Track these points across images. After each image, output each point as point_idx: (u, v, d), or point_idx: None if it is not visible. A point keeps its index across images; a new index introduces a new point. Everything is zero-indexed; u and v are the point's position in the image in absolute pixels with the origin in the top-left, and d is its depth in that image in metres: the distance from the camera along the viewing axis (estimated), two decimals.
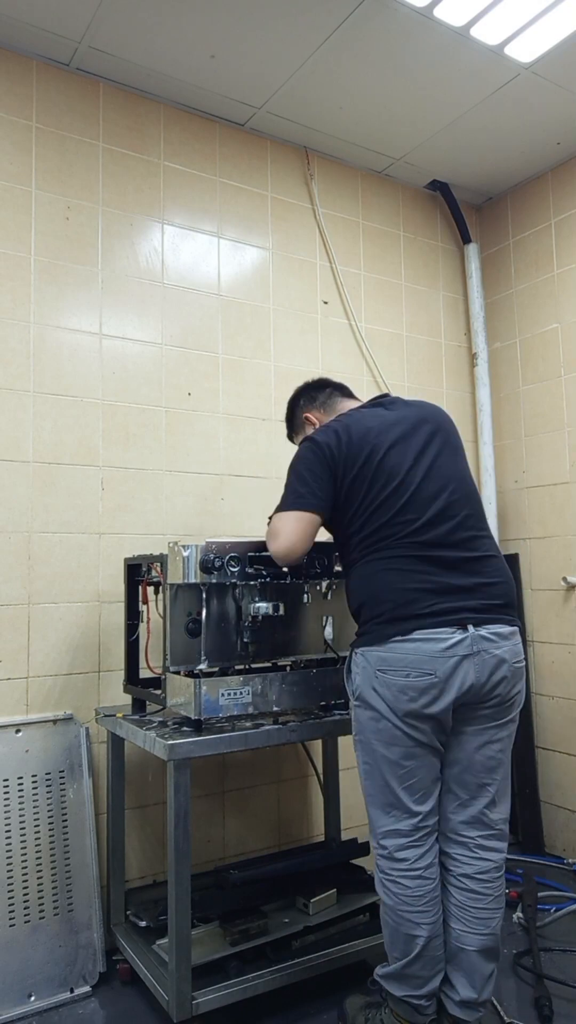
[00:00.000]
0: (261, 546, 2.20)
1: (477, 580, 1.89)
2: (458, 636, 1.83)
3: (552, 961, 2.40)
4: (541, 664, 3.38)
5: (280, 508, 1.99)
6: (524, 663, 1.95)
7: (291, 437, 2.38)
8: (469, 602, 1.86)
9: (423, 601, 1.84)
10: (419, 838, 1.88)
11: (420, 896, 1.86)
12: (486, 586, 1.90)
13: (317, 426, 2.19)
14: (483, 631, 1.85)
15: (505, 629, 1.89)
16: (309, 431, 2.16)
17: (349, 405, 2.19)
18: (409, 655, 1.82)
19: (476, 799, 1.91)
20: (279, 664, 2.36)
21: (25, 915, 2.23)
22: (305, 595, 2.35)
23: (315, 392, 2.29)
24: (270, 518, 2.03)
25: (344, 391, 2.29)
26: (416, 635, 1.82)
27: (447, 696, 1.81)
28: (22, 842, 2.27)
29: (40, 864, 2.29)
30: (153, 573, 2.30)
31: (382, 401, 2.12)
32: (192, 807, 2.06)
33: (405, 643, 1.83)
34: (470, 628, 1.84)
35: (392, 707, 1.84)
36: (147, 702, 2.36)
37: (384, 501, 1.91)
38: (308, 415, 2.27)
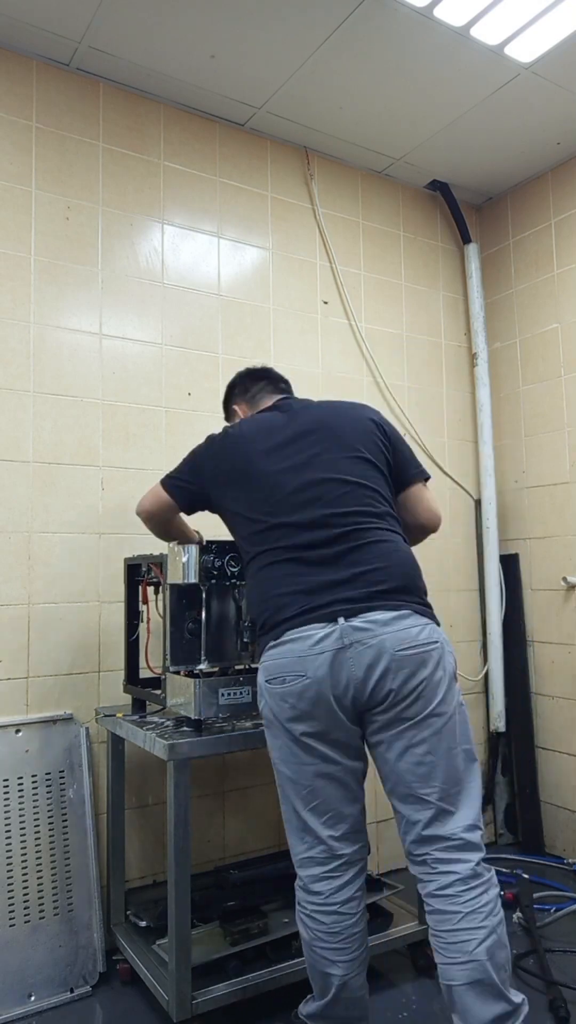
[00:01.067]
0: None
1: (354, 570, 1.74)
2: (326, 630, 1.69)
3: (554, 963, 2.40)
4: (541, 664, 3.38)
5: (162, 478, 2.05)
6: (429, 647, 1.71)
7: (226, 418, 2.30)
8: (344, 594, 1.72)
9: (295, 604, 1.74)
10: (335, 868, 1.76)
11: (336, 933, 1.74)
12: (365, 574, 1.74)
13: (239, 419, 2.15)
14: (356, 621, 1.69)
15: (385, 615, 1.70)
16: (235, 421, 2.15)
17: (263, 404, 2.11)
18: (282, 659, 1.72)
19: (418, 813, 1.69)
20: None
21: (25, 915, 2.23)
22: None
23: (250, 383, 2.18)
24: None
25: (279, 387, 2.16)
26: (286, 637, 1.73)
27: (325, 698, 1.68)
28: (22, 842, 2.27)
29: (40, 864, 2.29)
30: (153, 573, 2.30)
31: (279, 405, 2.05)
32: (192, 807, 2.06)
33: (278, 647, 1.74)
34: (340, 620, 1.69)
35: (279, 719, 1.75)
36: (147, 702, 2.36)
37: (256, 508, 1.85)
38: (236, 406, 2.19)
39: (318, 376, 3.15)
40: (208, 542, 2.16)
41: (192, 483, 1.99)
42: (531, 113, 3.01)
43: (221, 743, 2.04)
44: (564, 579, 3.25)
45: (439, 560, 3.42)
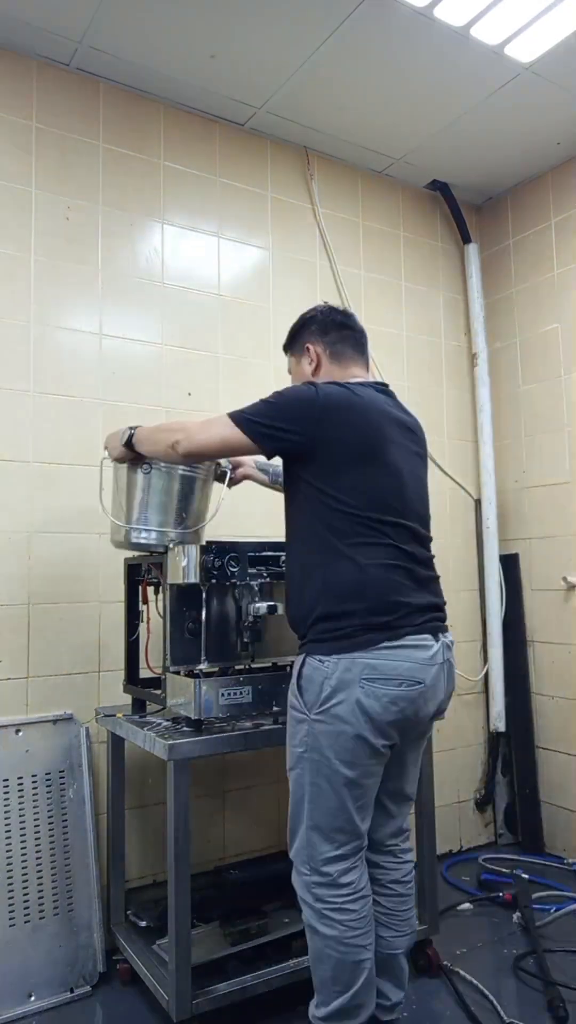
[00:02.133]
0: (262, 546, 2.21)
1: (438, 599, 1.90)
2: (437, 644, 1.81)
3: (553, 963, 2.40)
4: (541, 664, 3.37)
5: (233, 413, 1.81)
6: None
7: (286, 349, 2.15)
8: (437, 613, 1.86)
9: (413, 610, 1.77)
10: (358, 858, 1.82)
11: (366, 916, 1.79)
12: (439, 594, 1.92)
13: (315, 364, 2.00)
14: (446, 639, 1.86)
15: (452, 639, 1.91)
16: (304, 363, 2.02)
17: (356, 373, 2.00)
18: (401, 661, 1.73)
19: (402, 809, 1.95)
20: (279, 664, 2.36)
21: (25, 915, 2.23)
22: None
23: (331, 328, 2.02)
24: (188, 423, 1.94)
25: (359, 347, 2.04)
26: (407, 640, 1.74)
27: (425, 710, 1.80)
28: (22, 842, 2.27)
29: (40, 864, 2.29)
30: (153, 573, 2.30)
31: (383, 388, 1.98)
32: (192, 807, 2.06)
33: (395, 649, 1.73)
34: (440, 637, 1.83)
35: (370, 720, 1.71)
36: (147, 702, 2.36)
37: (380, 497, 1.78)
38: (311, 345, 2.02)
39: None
40: (208, 542, 2.16)
41: (291, 432, 1.76)
42: (531, 113, 3.01)
43: (221, 743, 2.04)
44: (564, 579, 3.25)
45: (439, 560, 3.41)
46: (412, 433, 1.96)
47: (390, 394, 1.99)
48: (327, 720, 1.72)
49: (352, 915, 1.77)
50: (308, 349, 2.03)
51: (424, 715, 1.81)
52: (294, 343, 2.10)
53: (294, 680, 1.81)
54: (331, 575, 1.76)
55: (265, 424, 1.78)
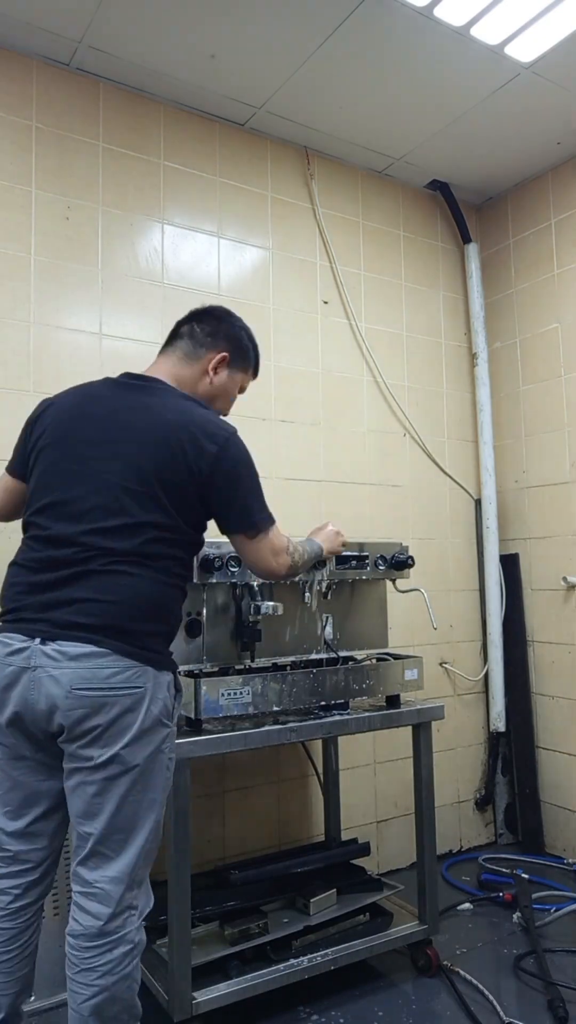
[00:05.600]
0: None
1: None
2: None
3: (553, 963, 2.40)
4: (541, 664, 3.38)
5: (268, 521, 1.77)
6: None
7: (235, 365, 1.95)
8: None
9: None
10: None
11: None
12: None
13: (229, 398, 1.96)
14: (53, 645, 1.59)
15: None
16: (226, 402, 1.95)
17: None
18: None
19: (78, 847, 1.57)
20: (279, 664, 2.36)
21: None
22: (305, 595, 2.35)
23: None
24: (258, 531, 1.76)
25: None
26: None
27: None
28: None
29: None
30: None
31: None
32: (192, 807, 2.06)
33: None
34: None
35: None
36: None
37: None
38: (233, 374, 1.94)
39: (318, 376, 3.15)
40: (208, 542, 2.16)
41: None
42: (531, 113, 3.01)
43: (221, 743, 2.04)
44: (564, 579, 3.25)
45: (439, 560, 3.42)
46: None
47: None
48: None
49: None
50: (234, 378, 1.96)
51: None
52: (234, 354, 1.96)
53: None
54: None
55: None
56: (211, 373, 1.90)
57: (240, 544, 1.78)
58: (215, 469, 1.68)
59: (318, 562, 2.20)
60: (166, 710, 1.64)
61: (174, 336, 1.95)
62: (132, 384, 1.82)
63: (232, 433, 1.74)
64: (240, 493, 1.72)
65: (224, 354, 1.91)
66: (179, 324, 1.97)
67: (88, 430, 1.73)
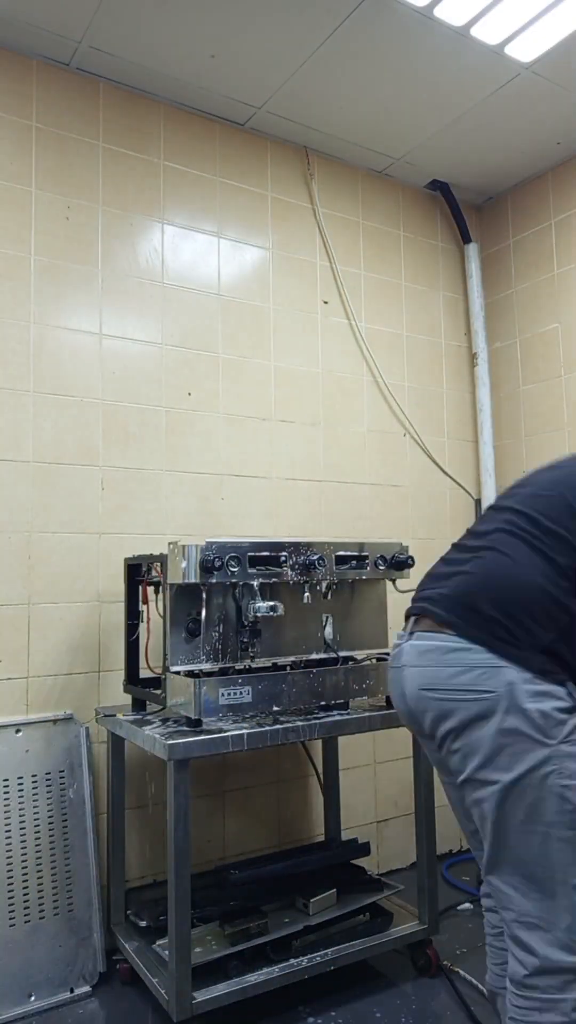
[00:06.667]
0: (261, 546, 2.21)
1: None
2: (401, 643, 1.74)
3: None
4: None
5: None
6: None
7: None
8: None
9: None
10: None
11: None
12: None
13: None
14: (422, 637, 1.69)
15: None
16: None
17: None
18: None
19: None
20: (279, 664, 2.36)
21: (25, 915, 2.23)
22: (305, 595, 2.35)
23: None
24: None
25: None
26: None
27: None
28: (22, 842, 2.27)
29: (40, 864, 2.29)
30: (153, 573, 2.30)
31: None
32: (192, 807, 2.06)
33: None
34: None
35: None
36: (147, 702, 2.36)
37: None
38: None
39: (318, 376, 3.15)
40: (208, 542, 2.16)
41: None
42: (531, 113, 3.01)
43: (221, 743, 2.04)
44: None
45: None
46: None
47: None
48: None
49: None
50: None
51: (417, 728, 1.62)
52: None
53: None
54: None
55: None
56: None
57: None
58: None
59: (316, 562, 2.20)
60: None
61: None
62: None
63: None
64: None
65: None
66: None
67: None
